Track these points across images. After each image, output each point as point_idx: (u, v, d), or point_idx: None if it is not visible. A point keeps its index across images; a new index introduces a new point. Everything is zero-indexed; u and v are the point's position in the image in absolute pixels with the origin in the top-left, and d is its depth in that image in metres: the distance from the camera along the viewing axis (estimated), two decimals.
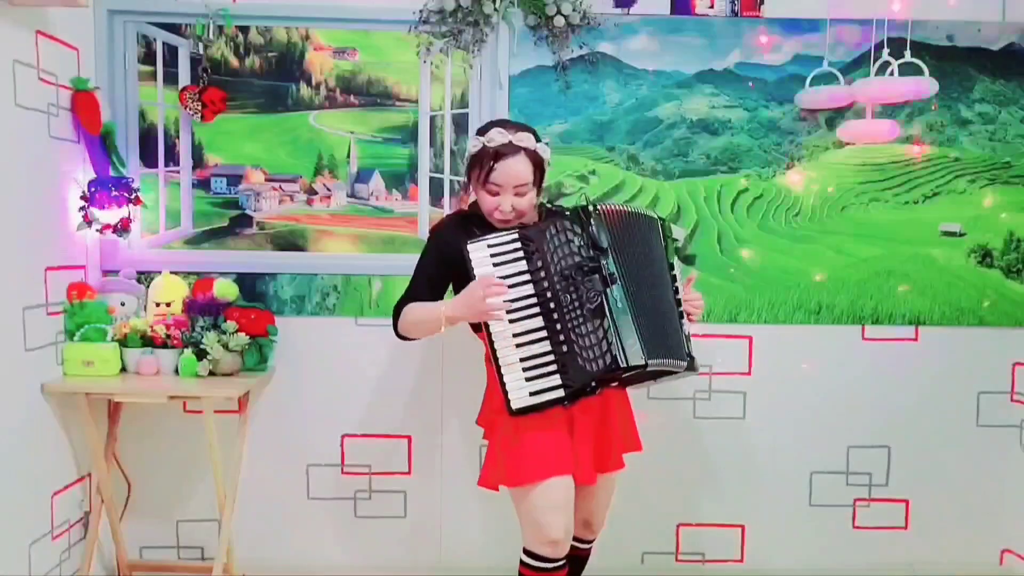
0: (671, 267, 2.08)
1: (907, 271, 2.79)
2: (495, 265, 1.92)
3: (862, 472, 2.85)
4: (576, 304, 1.90)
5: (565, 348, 1.90)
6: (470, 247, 1.93)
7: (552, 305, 1.91)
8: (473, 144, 2.03)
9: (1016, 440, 2.84)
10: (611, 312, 1.90)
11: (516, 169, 1.97)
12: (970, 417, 2.84)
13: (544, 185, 2.10)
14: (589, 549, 2.29)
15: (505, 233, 1.95)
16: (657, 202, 2.75)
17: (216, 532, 2.68)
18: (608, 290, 1.90)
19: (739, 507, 2.85)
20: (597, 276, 1.90)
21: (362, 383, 2.76)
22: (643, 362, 1.89)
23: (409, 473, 2.80)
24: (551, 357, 1.91)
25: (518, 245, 1.93)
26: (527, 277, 1.92)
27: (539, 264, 1.91)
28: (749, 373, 2.80)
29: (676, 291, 2.07)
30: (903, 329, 2.80)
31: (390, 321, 2.69)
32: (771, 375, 2.80)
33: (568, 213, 1.98)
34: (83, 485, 2.54)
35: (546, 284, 1.91)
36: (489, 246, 1.93)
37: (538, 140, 2.04)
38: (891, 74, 2.60)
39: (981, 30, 2.74)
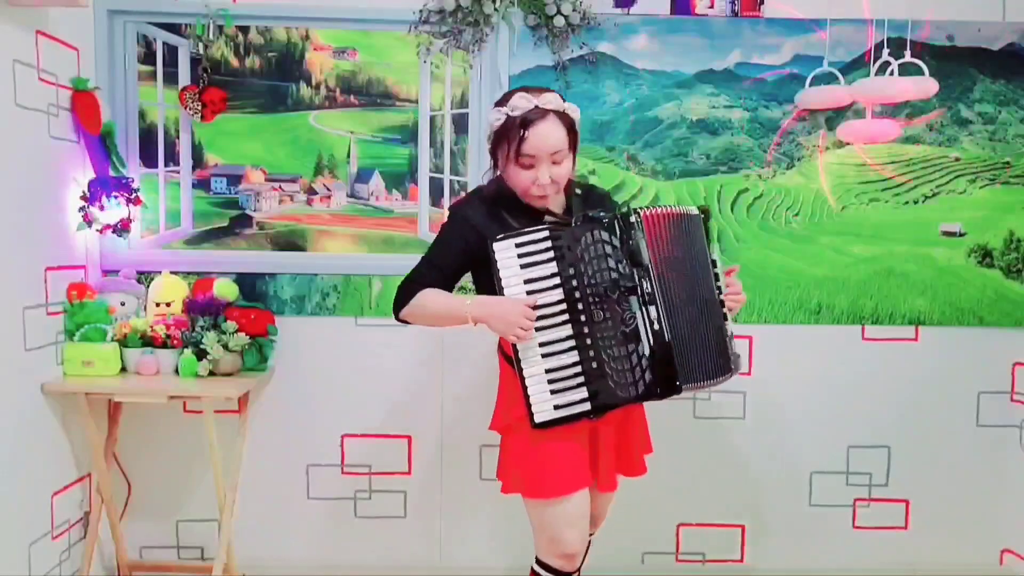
0: (714, 264, 1.92)
1: (907, 271, 2.79)
2: (522, 267, 1.77)
3: (862, 472, 2.85)
4: (609, 323, 1.76)
5: (595, 364, 1.77)
6: (496, 246, 1.77)
7: (583, 317, 1.77)
8: (495, 117, 1.85)
9: (1016, 440, 2.84)
10: (647, 337, 1.77)
11: (549, 135, 1.80)
12: (970, 417, 2.84)
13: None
14: (590, 542, 2.28)
15: (534, 230, 1.79)
16: (657, 202, 2.75)
17: (216, 532, 2.68)
18: (645, 311, 1.76)
19: (739, 507, 2.85)
20: (634, 297, 1.76)
21: (362, 383, 2.76)
22: (678, 388, 1.80)
23: (409, 473, 2.80)
24: (579, 369, 1.78)
25: (548, 244, 1.77)
26: (557, 281, 1.77)
27: (571, 271, 1.76)
28: (749, 373, 2.80)
29: (719, 290, 1.92)
30: (903, 329, 2.80)
31: (390, 321, 2.68)
32: (771, 375, 2.80)
33: (606, 221, 1.79)
34: (83, 485, 2.54)
35: (577, 294, 1.77)
36: (517, 245, 1.77)
37: (564, 101, 1.87)
38: (891, 74, 2.60)
39: (981, 30, 2.74)
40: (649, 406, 2.68)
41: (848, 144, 2.76)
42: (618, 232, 1.78)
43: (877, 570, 2.87)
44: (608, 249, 1.77)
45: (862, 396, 2.82)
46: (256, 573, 2.75)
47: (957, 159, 2.78)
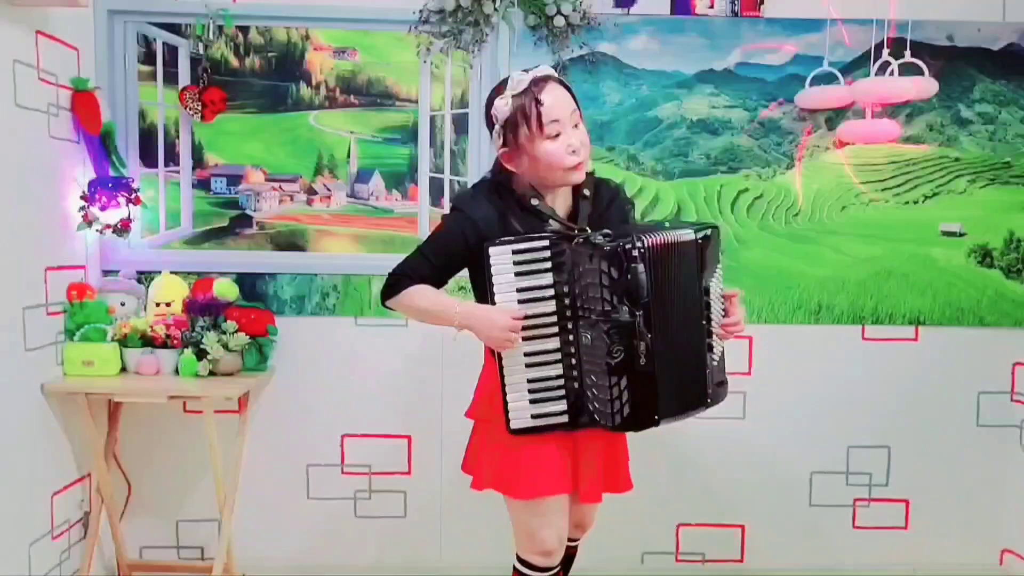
0: (707, 292, 1.84)
1: (907, 271, 2.79)
2: (517, 275, 1.75)
3: (862, 472, 2.85)
4: (595, 351, 1.73)
5: (577, 385, 1.77)
6: (492, 250, 1.74)
7: (571, 337, 1.76)
8: (502, 106, 1.80)
9: (1016, 440, 2.84)
10: (631, 372, 1.72)
11: (561, 95, 1.79)
12: (970, 417, 2.84)
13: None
14: (577, 547, 2.28)
15: (534, 238, 1.76)
16: (657, 202, 2.75)
17: (216, 532, 2.68)
18: (633, 344, 1.70)
19: (739, 507, 2.85)
20: (626, 333, 1.70)
21: (362, 383, 2.76)
22: (656, 423, 1.77)
23: (409, 473, 2.80)
24: (560, 382, 1.79)
25: (547, 255, 1.74)
26: (550, 293, 1.76)
27: (566, 288, 1.74)
28: (749, 373, 2.80)
29: (709, 320, 1.84)
30: (903, 329, 2.80)
31: (390, 321, 2.71)
32: (771, 375, 2.80)
33: (607, 249, 1.70)
34: (83, 485, 2.54)
35: (569, 313, 1.75)
36: (514, 252, 1.74)
37: None
38: (891, 74, 2.60)
39: (981, 30, 2.74)
40: None
41: (848, 144, 2.75)
42: (619, 264, 1.69)
43: (877, 570, 2.87)
44: (605, 280, 1.70)
45: (862, 396, 2.82)
46: (256, 573, 2.75)
47: (957, 159, 2.78)
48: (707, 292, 1.83)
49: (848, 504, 2.86)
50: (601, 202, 1.94)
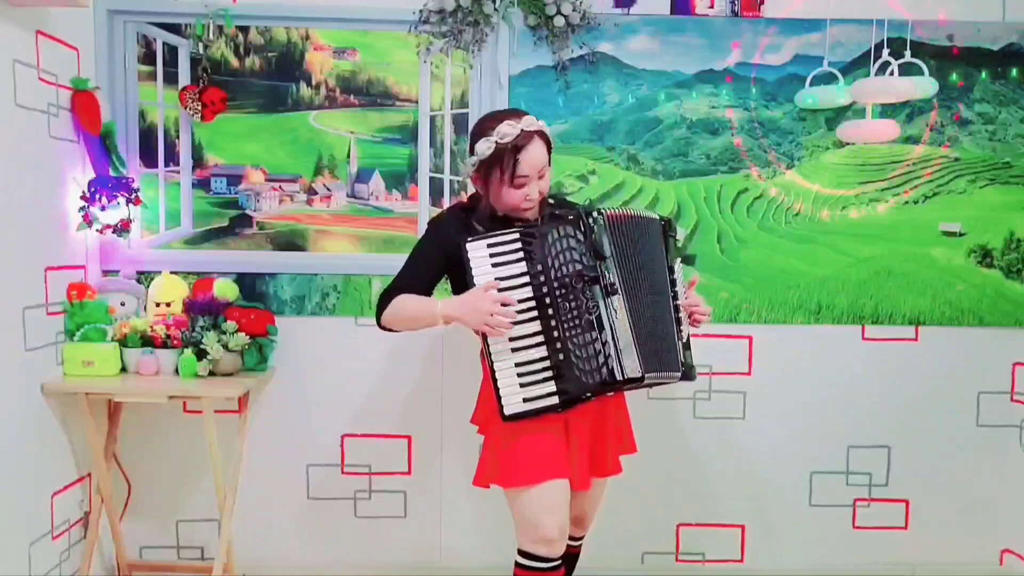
0: (671, 271, 2.03)
1: (907, 271, 2.79)
2: (494, 265, 1.87)
3: (862, 472, 2.85)
4: (574, 312, 1.86)
5: (562, 356, 1.86)
6: (469, 246, 1.87)
7: (550, 311, 1.87)
8: (485, 147, 1.94)
9: (1016, 440, 2.84)
10: (610, 324, 1.87)
11: (538, 155, 1.94)
12: (970, 417, 2.84)
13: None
14: (580, 546, 2.29)
15: (505, 232, 1.89)
16: (657, 202, 2.75)
17: (216, 532, 2.68)
18: (607, 301, 1.87)
19: (739, 507, 2.85)
20: (597, 287, 1.87)
21: (362, 383, 2.76)
22: (640, 376, 1.89)
23: (409, 473, 2.81)
24: (547, 363, 1.87)
25: (519, 245, 1.88)
26: (526, 279, 1.87)
27: (539, 267, 1.87)
28: (749, 373, 2.80)
29: (675, 296, 2.02)
30: (903, 329, 2.80)
31: None
32: (771, 375, 2.80)
33: (571, 217, 1.91)
34: (83, 485, 2.54)
35: (545, 289, 1.87)
36: (488, 245, 1.88)
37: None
38: (891, 74, 2.60)
39: (981, 30, 2.74)
40: (647, 405, 2.70)
41: (848, 144, 2.76)
42: (582, 227, 1.90)
43: (877, 570, 2.87)
44: (573, 243, 1.88)
45: (862, 396, 2.82)
46: (256, 573, 2.75)
47: (957, 159, 2.78)
48: (672, 271, 2.03)
49: (848, 504, 2.86)
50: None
